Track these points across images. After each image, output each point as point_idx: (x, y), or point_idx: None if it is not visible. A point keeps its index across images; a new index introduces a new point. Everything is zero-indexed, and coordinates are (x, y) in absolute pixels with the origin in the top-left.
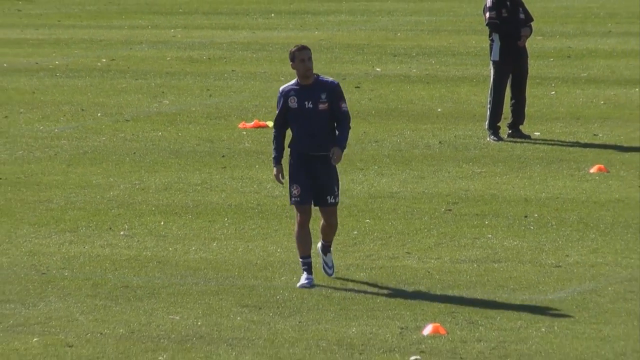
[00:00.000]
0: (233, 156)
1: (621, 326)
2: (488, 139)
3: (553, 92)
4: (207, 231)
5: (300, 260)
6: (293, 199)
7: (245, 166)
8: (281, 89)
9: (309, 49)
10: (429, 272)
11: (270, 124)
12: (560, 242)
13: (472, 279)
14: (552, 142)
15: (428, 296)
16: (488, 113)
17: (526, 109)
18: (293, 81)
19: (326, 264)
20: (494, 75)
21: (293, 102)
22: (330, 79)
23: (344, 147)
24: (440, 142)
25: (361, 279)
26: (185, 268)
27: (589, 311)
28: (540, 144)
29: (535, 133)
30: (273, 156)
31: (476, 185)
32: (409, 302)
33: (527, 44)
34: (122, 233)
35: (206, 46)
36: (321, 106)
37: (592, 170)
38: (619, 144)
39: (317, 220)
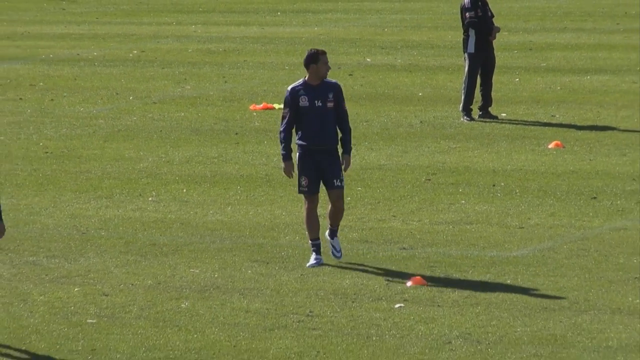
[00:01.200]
0: (245, 134)
1: (575, 279)
2: (462, 119)
3: (517, 79)
4: (223, 197)
5: (310, 242)
6: (302, 189)
7: (255, 142)
8: (290, 88)
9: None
10: (411, 232)
11: (277, 106)
12: (523, 207)
13: (448, 239)
14: (516, 122)
15: (411, 253)
16: (462, 97)
17: (493, 93)
18: (300, 81)
19: (334, 247)
20: (468, 65)
21: (304, 101)
22: (333, 80)
23: (351, 151)
24: (421, 122)
25: (354, 238)
26: (204, 229)
27: (548, 266)
28: (506, 123)
29: (502, 114)
30: (282, 153)
31: (452, 159)
32: (394, 258)
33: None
34: (150, 199)
35: (222, 40)
36: (329, 104)
37: (550, 146)
38: (573, 124)
39: (323, 205)
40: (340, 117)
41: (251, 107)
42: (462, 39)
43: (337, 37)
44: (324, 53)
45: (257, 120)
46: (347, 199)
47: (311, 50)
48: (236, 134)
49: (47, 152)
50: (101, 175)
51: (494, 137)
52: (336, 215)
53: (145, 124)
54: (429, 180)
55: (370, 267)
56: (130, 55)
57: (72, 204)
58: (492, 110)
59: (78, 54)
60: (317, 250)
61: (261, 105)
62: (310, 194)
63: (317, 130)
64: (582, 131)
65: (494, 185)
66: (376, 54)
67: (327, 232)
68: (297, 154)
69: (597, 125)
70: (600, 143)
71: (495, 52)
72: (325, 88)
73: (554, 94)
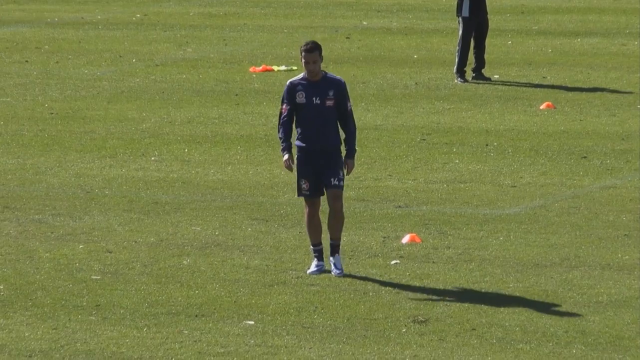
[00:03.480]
0: (244, 95)
1: (566, 236)
2: (456, 80)
3: (509, 42)
4: (223, 157)
5: (312, 247)
6: (303, 192)
7: (255, 103)
8: (289, 82)
9: (317, 50)
10: (406, 191)
11: (276, 68)
12: (515, 166)
13: (443, 197)
14: (509, 84)
15: (406, 211)
16: (456, 59)
17: (486, 56)
18: (301, 75)
19: (335, 265)
20: (462, 28)
21: (301, 97)
22: (338, 77)
23: (355, 152)
24: (416, 83)
25: (351, 197)
26: (205, 187)
27: (539, 223)
28: (498, 85)
29: (495, 76)
30: (282, 147)
31: (446, 119)
32: (390, 215)
33: (487, 2)
34: (152, 158)
35: (223, 3)
36: (328, 102)
37: (541, 107)
38: (564, 85)
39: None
40: (342, 116)
41: (251, 69)
42: (456, 3)
43: (334, 0)
44: (309, 50)
45: (257, 82)
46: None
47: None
48: (236, 95)
49: (52, 113)
50: (105, 135)
51: (487, 98)
52: (335, 223)
53: (147, 86)
54: (424, 140)
55: (367, 224)
56: (134, 18)
57: (77, 163)
58: (485, 72)
59: (82, 18)
60: (319, 257)
61: (260, 68)
62: (311, 198)
63: (315, 129)
64: (572, 92)
65: (487, 145)
66: (372, 18)
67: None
68: (296, 155)
69: (587, 87)
70: (590, 104)
71: (488, 15)
72: (326, 84)
73: (546, 56)
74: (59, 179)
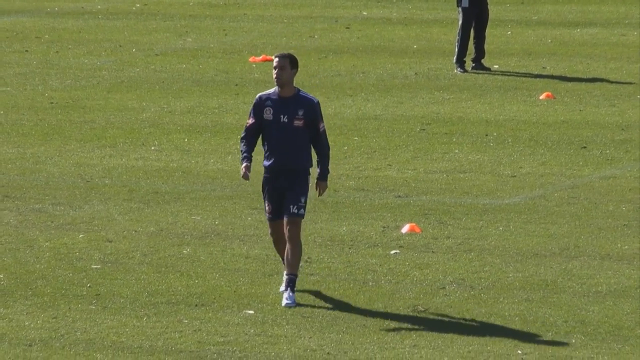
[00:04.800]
0: (244, 85)
1: (565, 226)
2: (455, 70)
3: (509, 32)
4: (223, 147)
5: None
6: (267, 214)
7: (255, 93)
8: (258, 96)
9: (288, 58)
10: (406, 180)
11: None
12: (515, 156)
13: (442, 187)
14: (509, 74)
15: (406, 201)
16: (456, 49)
17: (486, 46)
18: (272, 90)
19: (286, 297)
20: (462, 18)
21: (268, 114)
22: (310, 95)
23: (328, 174)
24: (415, 74)
25: (350, 187)
26: (205, 177)
27: (539, 213)
28: (498, 75)
29: (495, 66)
30: (242, 156)
31: (445, 109)
32: (390, 205)
33: None
34: (152, 148)
35: None
36: (296, 122)
37: (541, 97)
38: (563, 75)
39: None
40: (315, 137)
41: (250, 59)
42: None
43: None
44: (278, 55)
45: (257, 72)
46: (344, 149)
47: None
48: (236, 85)
49: (52, 103)
50: (105, 125)
51: (487, 88)
52: (291, 253)
53: (147, 76)
54: (424, 130)
55: (367, 214)
56: (133, 8)
57: (77, 153)
58: (485, 62)
59: (82, 7)
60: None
61: (260, 58)
62: (274, 220)
63: (280, 149)
64: (572, 82)
65: (486, 135)
66: (372, 8)
67: (282, 287)
68: (263, 176)
69: (587, 77)
70: (589, 94)
71: (489, 6)
72: (296, 103)
73: (545, 46)
74: (59, 168)
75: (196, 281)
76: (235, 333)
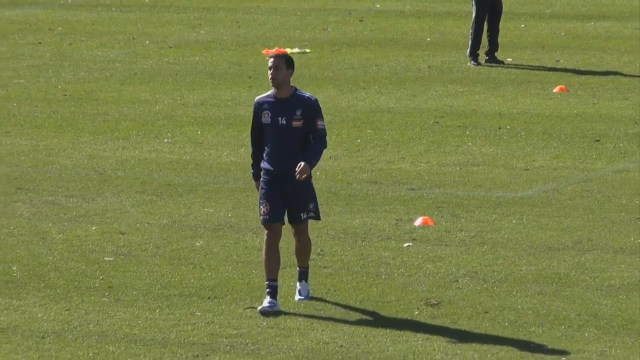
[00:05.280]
0: (257, 77)
1: (578, 219)
2: (469, 63)
3: (523, 25)
4: (236, 139)
5: (266, 282)
6: (262, 217)
7: (268, 86)
8: (256, 100)
9: (283, 58)
10: (419, 173)
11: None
12: (528, 150)
13: (455, 180)
14: (522, 67)
15: (419, 193)
16: (469, 42)
17: (499, 39)
18: (269, 92)
19: (299, 291)
20: (475, 11)
21: (266, 117)
22: (308, 94)
23: (313, 164)
24: (429, 66)
25: (363, 179)
26: (218, 169)
27: (552, 207)
28: (511, 68)
29: (508, 59)
30: (252, 172)
31: (459, 102)
32: (403, 198)
33: None
34: (165, 140)
35: None
36: (295, 123)
37: (554, 90)
38: (577, 68)
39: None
40: (313, 137)
41: (264, 51)
42: None
43: None
44: (273, 55)
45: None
46: (357, 141)
47: None
48: (249, 77)
49: (65, 95)
50: (118, 117)
51: (500, 81)
52: (302, 252)
53: (161, 68)
54: (437, 123)
55: (380, 207)
56: (147, 0)
57: (90, 145)
58: (498, 55)
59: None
60: (272, 294)
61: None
62: (271, 222)
63: (281, 152)
64: (585, 76)
65: (499, 128)
66: (385, 0)
67: (297, 276)
68: (261, 177)
69: (600, 70)
70: (603, 87)
71: None
72: (294, 103)
73: (559, 39)
74: (72, 160)
75: (209, 273)
76: (248, 325)
